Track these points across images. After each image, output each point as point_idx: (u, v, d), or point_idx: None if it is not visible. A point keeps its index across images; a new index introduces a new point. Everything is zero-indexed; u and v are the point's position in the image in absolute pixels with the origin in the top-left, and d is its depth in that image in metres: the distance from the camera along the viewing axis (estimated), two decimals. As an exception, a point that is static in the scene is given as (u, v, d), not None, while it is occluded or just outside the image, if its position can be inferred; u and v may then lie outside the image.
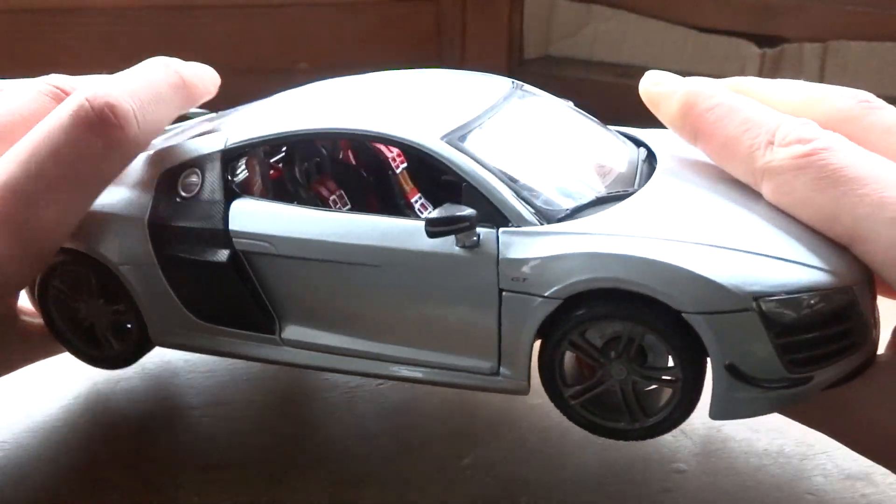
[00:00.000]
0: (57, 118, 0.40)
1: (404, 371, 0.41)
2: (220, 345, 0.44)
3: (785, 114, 0.41)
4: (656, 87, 0.44)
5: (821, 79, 0.88)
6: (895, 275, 0.37)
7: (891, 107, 0.43)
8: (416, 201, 0.45)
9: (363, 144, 0.46)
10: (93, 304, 0.46)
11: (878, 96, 0.42)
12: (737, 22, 0.90)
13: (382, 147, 0.45)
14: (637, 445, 0.46)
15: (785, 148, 0.39)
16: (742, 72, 0.90)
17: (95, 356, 0.47)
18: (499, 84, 0.46)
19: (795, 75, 0.89)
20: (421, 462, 0.45)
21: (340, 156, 0.46)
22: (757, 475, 0.44)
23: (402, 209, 0.44)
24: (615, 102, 0.52)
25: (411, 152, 0.41)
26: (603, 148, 0.44)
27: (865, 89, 0.43)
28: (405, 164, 0.45)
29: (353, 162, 0.46)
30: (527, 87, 0.48)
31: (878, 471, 0.43)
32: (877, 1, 0.85)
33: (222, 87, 0.58)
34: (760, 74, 0.90)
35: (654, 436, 0.38)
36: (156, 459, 0.46)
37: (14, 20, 0.86)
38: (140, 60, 0.47)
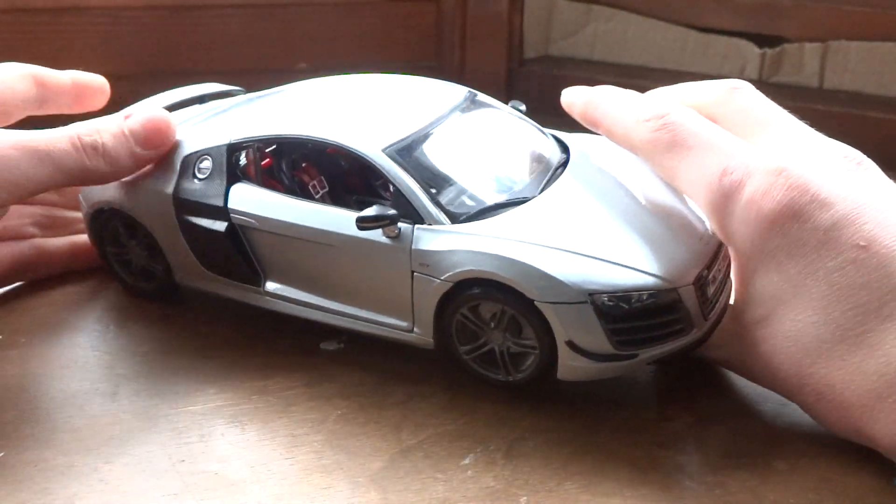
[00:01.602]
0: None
1: (349, 324, 0.52)
2: (223, 290, 0.56)
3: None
4: (567, 97, 0.54)
5: (821, 79, 0.88)
6: (721, 233, 0.47)
7: (754, 92, 0.51)
8: None
9: None
10: (136, 250, 0.59)
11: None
12: (737, 22, 0.90)
13: None
14: (638, 449, 0.47)
15: (645, 123, 0.48)
16: (742, 72, 0.91)
17: (142, 289, 0.60)
18: (452, 94, 0.56)
19: (795, 75, 0.89)
20: (421, 462, 0.45)
21: (328, 149, 0.55)
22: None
23: (376, 190, 0.55)
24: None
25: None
26: (523, 156, 0.54)
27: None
28: None
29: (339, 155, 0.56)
30: (480, 96, 0.57)
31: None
32: (877, 1, 0.85)
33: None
34: (760, 74, 0.90)
35: (523, 387, 0.49)
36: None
37: (14, 20, 0.86)
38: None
